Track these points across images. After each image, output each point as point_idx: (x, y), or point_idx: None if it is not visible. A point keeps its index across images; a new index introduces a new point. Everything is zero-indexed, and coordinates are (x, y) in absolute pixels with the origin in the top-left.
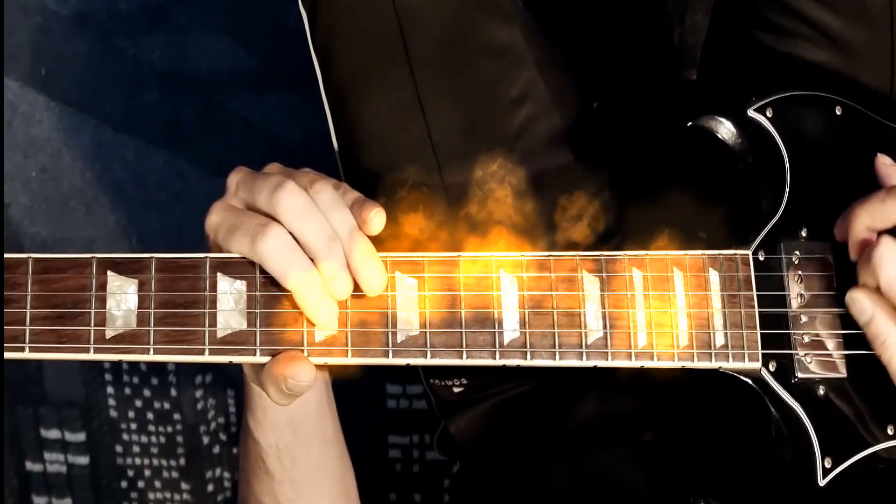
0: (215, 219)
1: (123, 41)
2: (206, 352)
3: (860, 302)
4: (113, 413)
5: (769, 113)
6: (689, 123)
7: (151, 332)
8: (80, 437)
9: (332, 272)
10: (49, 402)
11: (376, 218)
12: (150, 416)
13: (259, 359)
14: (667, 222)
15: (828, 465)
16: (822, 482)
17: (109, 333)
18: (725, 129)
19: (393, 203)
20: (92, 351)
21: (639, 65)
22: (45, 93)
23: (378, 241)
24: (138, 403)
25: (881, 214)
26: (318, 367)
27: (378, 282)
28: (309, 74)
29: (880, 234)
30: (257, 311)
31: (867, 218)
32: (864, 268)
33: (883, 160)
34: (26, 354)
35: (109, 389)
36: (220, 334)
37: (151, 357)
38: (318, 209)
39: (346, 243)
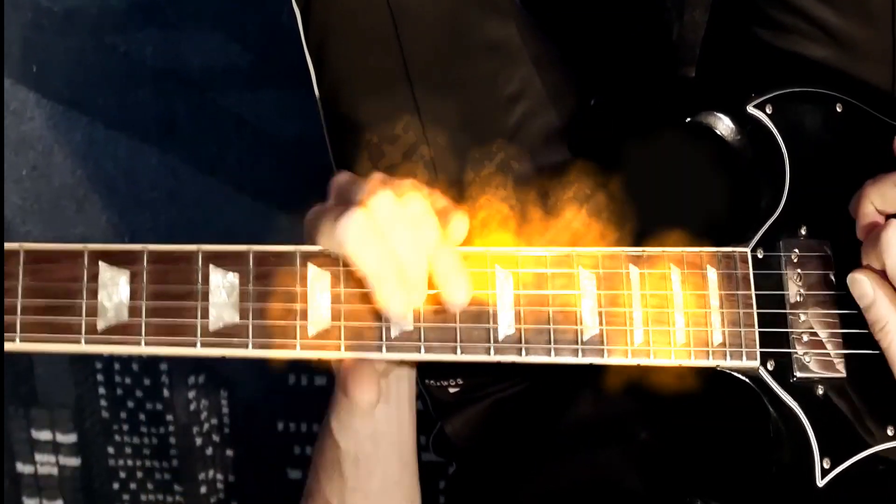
0: (309, 215)
1: (115, 38)
2: (198, 344)
3: (862, 284)
4: (105, 414)
5: (768, 109)
6: (688, 120)
7: (143, 323)
8: (72, 438)
9: (413, 283)
10: (40, 403)
11: (457, 226)
12: (142, 417)
13: (251, 352)
14: (665, 219)
15: (826, 466)
16: (820, 483)
17: (101, 325)
18: (724, 126)
19: None
20: (83, 342)
21: (637, 62)
22: (36, 90)
23: None
24: (130, 404)
25: (892, 197)
26: (409, 388)
27: (460, 296)
28: (303, 71)
29: (889, 217)
30: (250, 304)
31: (878, 200)
32: (870, 249)
33: None
34: (17, 345)
35: (101, 390)
36: (212, 327)
37: (143, 349)
38: (406, 218)
39: (432, 255)
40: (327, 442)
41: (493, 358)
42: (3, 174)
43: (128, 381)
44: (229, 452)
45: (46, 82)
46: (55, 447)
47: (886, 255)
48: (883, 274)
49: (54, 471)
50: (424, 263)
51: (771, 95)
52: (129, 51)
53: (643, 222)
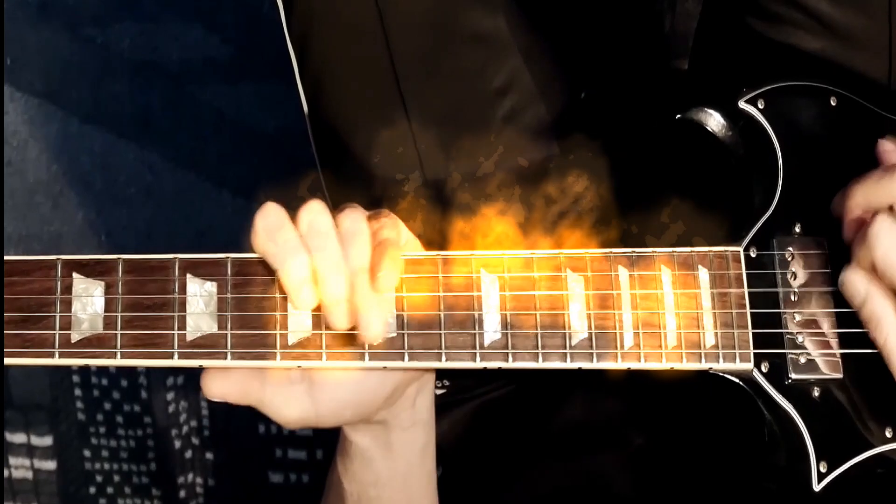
0: None
1: (91, 29)
2: (176, 355)
3: (854, 283)
4: (81, 416)
5: (761, 104)
6: (678, 116)
7: (118, 335)
8: (47, 441)
9: (328, 301)
10: (14, 404)
11: (383, 277)
12: (119, 419)
13: (230, 362)
14: (655, 218)
15: (823, 470)
16: (816, 487)
17: (75, 337)
18: (715, 122)
19: (372, 198)
20: (57, 356)
21: (628, 54)
22: (9, 83)
23: None
24: (107, 406)
25: (876, 193)
26: (417, 438)
27: (374, 330)
28: (284, 64)
29: (876, 213)
30: (228, 313)
31: (862, 197)
32: (858, 246)
33: (885, 145)
34: None
35: (77, 392)
36: (189, 337)
37: (119, 361)
38: (333, 234)
39: (352, 278)
40: (334, 477)
41: (479, 364)
42: (2, 174)
43: (105, 382)
44: (209, 455)
45: (20, 75)
46: (30, 450)
47: (874, 249)
48: (874, 271)
49: (29, 474)
50: (340, 284)
51: (763, 90)
52: (106, 43)
53: (633, 221)
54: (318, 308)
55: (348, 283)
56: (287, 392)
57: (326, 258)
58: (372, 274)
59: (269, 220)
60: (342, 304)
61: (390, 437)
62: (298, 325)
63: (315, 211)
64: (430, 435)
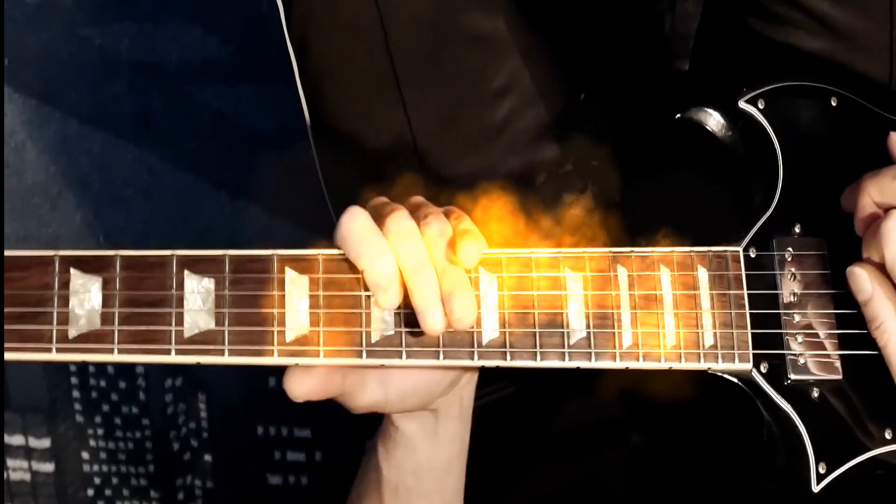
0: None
1: (89, 30)
2: (173, 352)
3: (861, 279)
4: (79, 418)
5: (761, 104)
6: (678, 116)
7: (116, 331)
8: (45, 443)
9: (420, 301)
10: (12, 407)
11: (466, 251)
12: (117, 421)
13: (227, 359)
14: (655, 218)
15: (822, 471)
16: (815, 488)
17: (72, 333)
18: (715, 122)
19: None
20: (54, 351)
21: (628, 54)
22: (7, 84)
23: None
24: (105, 408)
25: (892, 189)
26: (460, 428)
27: (465, 315)
28: (284, 65)
29: (889, 209)
30: (226, 310)
31: (876, 193)
32: (870, 242)
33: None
34: None
35: (75, 393)
36: (187, 334)
37: (116, 357)
38: (418, 237)
39: (440, 273)
40: (372, 462)
41: (477, 363)
42: (2, 177)
43: (103, 384)
44: (207, 457)
45: (18, 76)
46: (28, 452)
47: (886, 246)
48: (882, 268)
49: (27, 476)
50: (431, 281)
51: (763, 90)
52: (104, 44)
53: (632, 221)
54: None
55: (437, 280)
56: (363, 381)
57: (413, 258)
58: (457, 253)
59: (357, 223)
60: (435, 301)
61: (438, 425)
62: (296, 322)
63: (399, 217)
64: (468, 428)
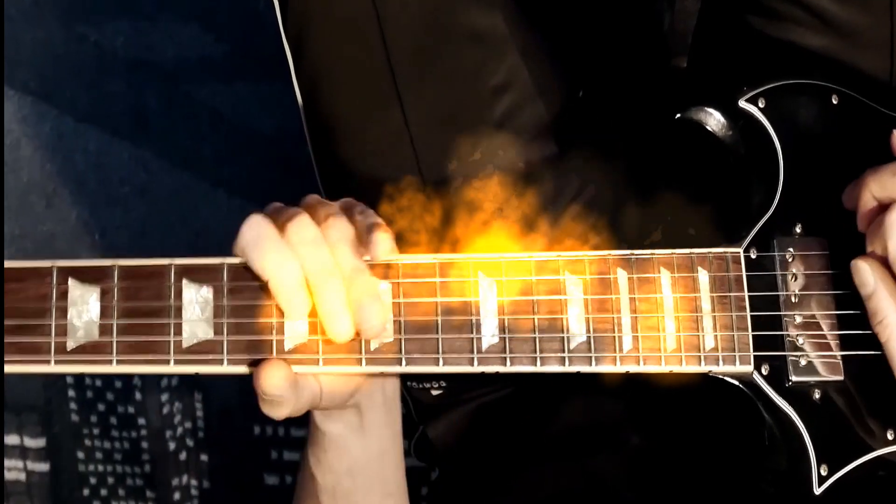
0: None
1: (86, 27)
2: (172, 362)
3: (864, 272)
4: (74, 417)
5: (761, 103)
6: (678, 115)
7: (114, 342)
8: (40, 442)
9: (327, 309)
10: (7, 406)
11: (379, 244)
12: (113, 420)
13: (226, 369)
14: (654, 219)
15: (824, 473)
16: (817, 490)
17: (71, 345)
18: (715, 121)
19: (368, 200)
20: (53, 363)
21: (627, 52)
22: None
23: None
24: (101, 407)
25: (892, 185)
26: (389, 417)
27: (373, 324)
28: (280, 63)
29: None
30: (224, 320)
31: (877, 188)
32: (872, 237)
33: None
34: None
35: (71, 393)
36: (185, 344)
37: (114, 368)
38: (322, 243)
39: (347, 280)
40: (306, 474)
41: (477, 369)
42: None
43: (98, 383)
44: (204, 457)
45: (14, 73)
46: (23, 452)
47: (888, 240)
48: (886, 263)
49: (22, 476)
50: (337, 288)
51: (763, 88)
52: (100, 41)
53: (631, 222)
54: (313, 314)
55: (344, 287)
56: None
57: (318, 265)
58: (370, 248)
59: (258, 232)
60: (342, 308)
61: (363, 420)
62: (295, 330)
63: (302, 223)
64: (398, 413)
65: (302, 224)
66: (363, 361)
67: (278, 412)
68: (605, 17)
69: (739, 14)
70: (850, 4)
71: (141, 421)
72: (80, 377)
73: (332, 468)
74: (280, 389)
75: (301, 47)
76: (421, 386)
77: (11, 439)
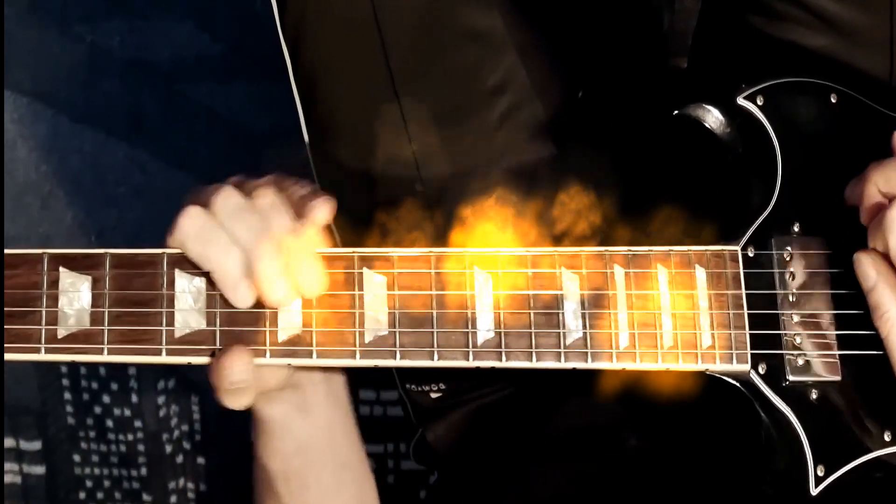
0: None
1: (81, 27)
2: (164, 352)
3: (866, 266)
4: (70, 420)
5: (760, 101)
6: (676, 112)
7: (105, 331)
8: (36, 445)
9: (264, 275)
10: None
11: (318, 210)
12: (109, 423)
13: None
14: (652, 216)
15: (820, 474)
16: (814, 491)
17: (61, 333)
18: (713, 118)
19: (367, 198)
20: (43, 351)
21: (626, 52)
22: None
23: (351, 239)
24: (97, 410)
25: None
26: (331, 388)
27: (311, 284)
28: (277, 62)
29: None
30: (217, 310)
31: (882, 182)
32: (875, 231)
33: None
34: None
35: (67, 395)
36: (178, 334)
37: (105, 357)
38: (253, 210)
39: (282, 244)
40: (258, 468)
41: (472, 363)
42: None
43: (94, 385)
44: (200, 460)
45: (9, 73)
46: (18, 455)
47: (889, 234)
48: (887, 258)
49: (18, 479)
50: (271, 254)
51: (762, 86)
52: (96, 41)
53: (630, 219)
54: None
55: (278, 252)
56: None
57: (245, 230)
58: (308, 213)
59: (191, 220)
60: (275, 273)
61: (306, 397)
62: (288, 322)
63: (226, 193)
64: (342, 384)
65: (226, 194)
66: (357, 354)
67: (240, 401)
68: (604, 16)
69: (740, 13)
70: (850, 4)
71: (137, 424)
72: (76, 380)
73: (280, 452)
74: (246, 374)
75: (298, 47)
76: (420, 389)
77: (7, 442)
